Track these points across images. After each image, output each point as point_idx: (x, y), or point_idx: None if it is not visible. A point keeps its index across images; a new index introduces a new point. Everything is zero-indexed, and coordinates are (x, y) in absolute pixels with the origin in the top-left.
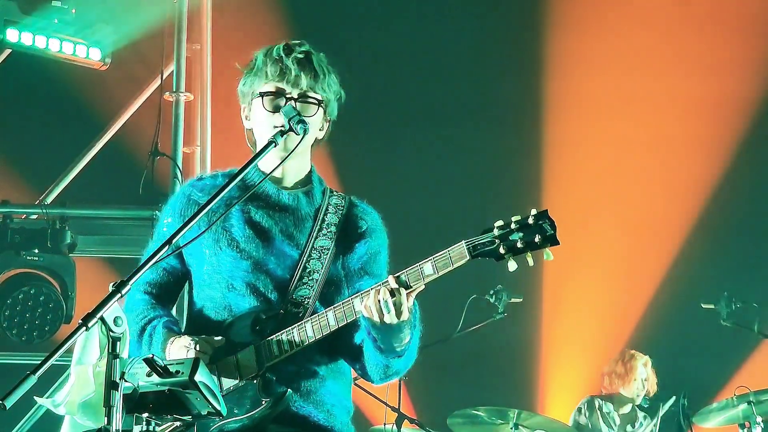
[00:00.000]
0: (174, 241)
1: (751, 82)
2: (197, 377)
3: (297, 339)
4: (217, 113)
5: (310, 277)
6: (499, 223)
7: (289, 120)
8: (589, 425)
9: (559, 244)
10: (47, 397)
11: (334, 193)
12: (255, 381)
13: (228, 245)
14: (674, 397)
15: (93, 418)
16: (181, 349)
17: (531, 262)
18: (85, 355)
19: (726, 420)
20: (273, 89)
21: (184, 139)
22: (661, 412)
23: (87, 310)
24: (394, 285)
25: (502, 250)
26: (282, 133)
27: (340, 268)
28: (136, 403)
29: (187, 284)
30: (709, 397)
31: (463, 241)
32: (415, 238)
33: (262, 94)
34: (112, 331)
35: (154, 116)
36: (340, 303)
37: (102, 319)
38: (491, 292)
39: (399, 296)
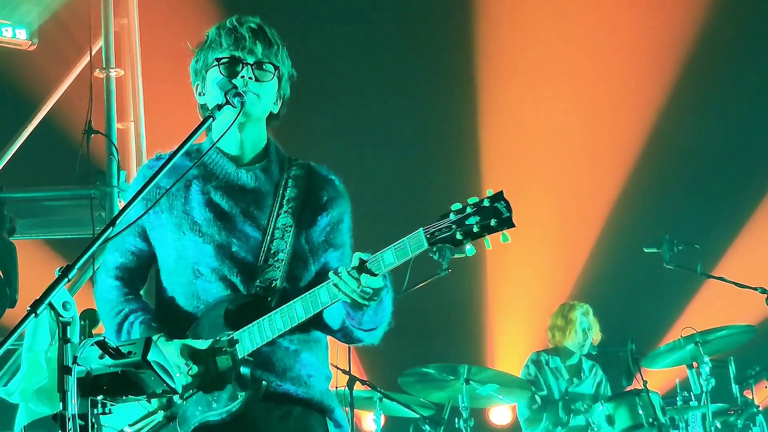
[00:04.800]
0: (117, 218)
1: (683, 29)
2: (150, 356)
3: (268, 332)
4: (149, 87)
5: (276, 258)
6: (456, 206)
7: (226, 93)
8: (539, 381)
9: (514, 226)
10: (2, 386)
11: (294, 162)
12: (231, 374)
13: (190, 229)
14: None
15: (48, 403)
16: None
17: (488, 245)
18: (36, 342)
19: (674, 361)
20: (228, 56)
21: (118, 114)
22: None
23: (30, 294)
24: (354, 274)
25: (459, 236)
26: (219, 107)
27: (304, 242)
28: (90, 386)
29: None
30: (656, 340)
31: (421, 229)
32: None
33: (217, 60)
34: (62, 316)
35: (86, 93)
36: (308, 294)
37: (50, 304)
38: (434, 248)
39: (365, 282)
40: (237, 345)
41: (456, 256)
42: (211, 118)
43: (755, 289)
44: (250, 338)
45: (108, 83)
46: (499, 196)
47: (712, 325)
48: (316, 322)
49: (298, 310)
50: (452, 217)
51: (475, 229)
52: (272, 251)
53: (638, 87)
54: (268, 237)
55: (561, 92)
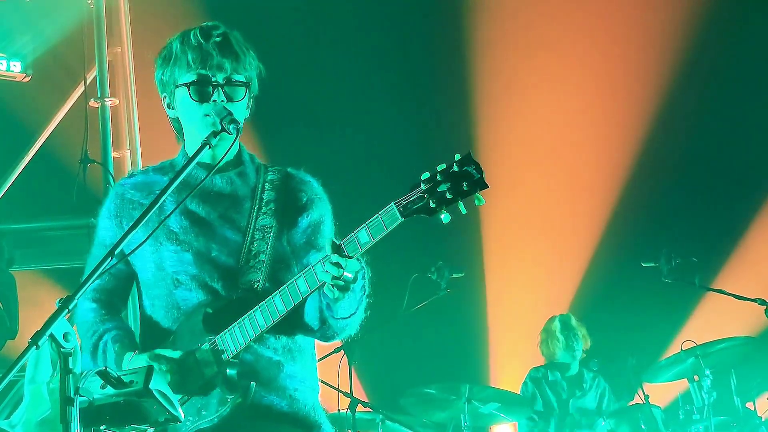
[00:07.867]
0: (115, 249)
1: (679, 39)
2: (152, 385)
3: (250, 330)
4: (144, 115)
5: (257, 259)
6: (425, 176)
7: (221, 120)
8: (538, 397)
9: (487, 187)
10: (4, 419)
11: (269, 168)
12: (218, 378)
13: (167, 239)
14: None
15: None
16: None
17: (463, 210)
18: (38, 373)
19: (675, 375)
20: (197, 78)
21: (113, 143)
22: None
23: (31, 325)
24: (335, 260)
25: (432, 205)
26: (215, 134)
27: (285, 244)
28: (92, 416)
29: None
30: (657, 354)
31: (393, 203)
32: (352, 204)
33: (186, 85)
34: (63, 347)
35: (81, 123)
36: (285, 285)
37: (51, 336)
38: (433, 269)
39: (343, 268)
40: (220, 347)
41: (455, 276)
42: (208, 146)
43: (754, 300)
44: (232, 339)
45: (103, 112)
46: (467, 159)
47: (712, 338)
48: (296, 324)
49: (277, 304)
50: (423, 186)
51: (449, 196)
52: (253, 252)
53: (633, 99)
54: (248, 239)
55: (556, 104)
